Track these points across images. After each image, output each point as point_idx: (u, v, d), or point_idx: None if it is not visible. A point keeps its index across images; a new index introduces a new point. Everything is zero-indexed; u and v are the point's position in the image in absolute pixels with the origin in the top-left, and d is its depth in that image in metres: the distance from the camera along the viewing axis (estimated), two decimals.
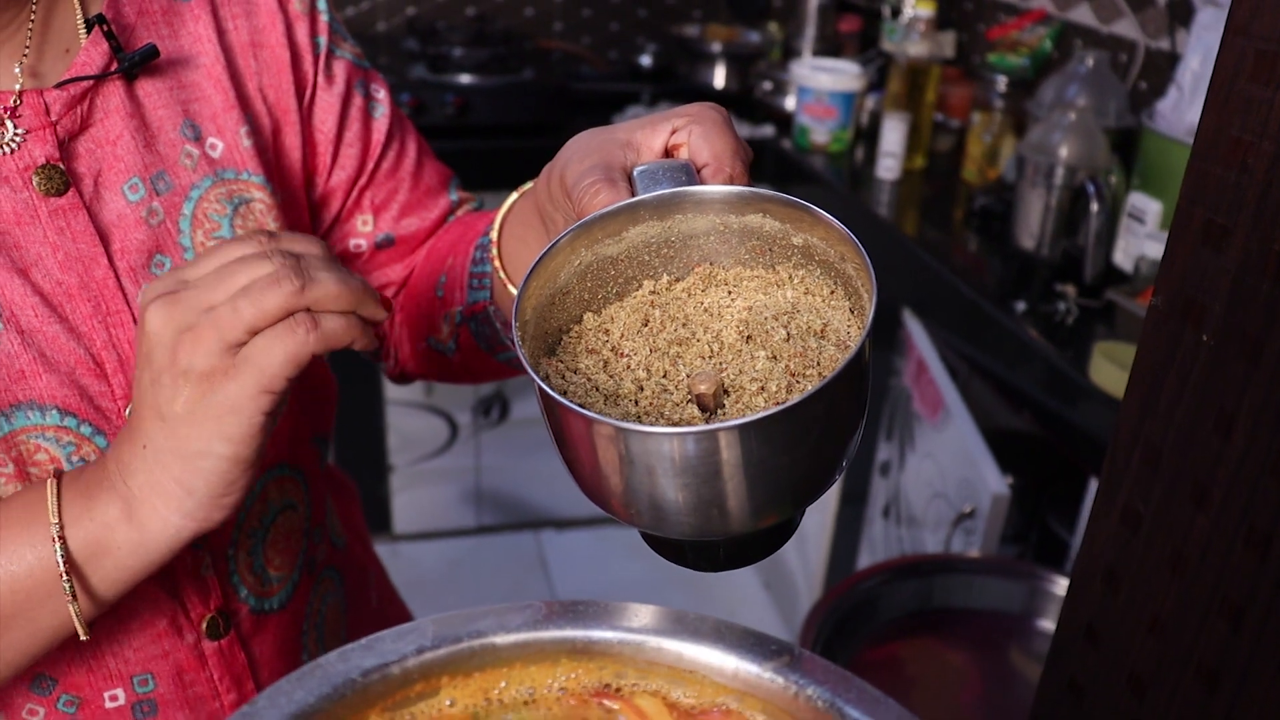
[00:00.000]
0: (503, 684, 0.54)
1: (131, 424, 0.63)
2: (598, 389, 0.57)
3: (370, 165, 0.90)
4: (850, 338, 0.59)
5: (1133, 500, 0.79)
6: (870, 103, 2.49)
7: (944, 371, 1.88)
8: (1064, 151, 1.79)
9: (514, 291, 0.77)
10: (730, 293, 0.63)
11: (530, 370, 0.54)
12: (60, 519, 0.63)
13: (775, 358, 0.57)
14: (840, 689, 0.51)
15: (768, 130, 2.54)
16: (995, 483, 1.65)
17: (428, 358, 0.93)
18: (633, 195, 0.62)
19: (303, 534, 0.88)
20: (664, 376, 0.57)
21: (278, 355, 0.59)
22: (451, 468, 2.81)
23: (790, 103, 2.53)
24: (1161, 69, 2.04)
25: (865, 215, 2.12)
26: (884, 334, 2.13)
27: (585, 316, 0.63)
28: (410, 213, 0.93)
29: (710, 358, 0.58)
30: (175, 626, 0.78)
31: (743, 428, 0.49)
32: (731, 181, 0.64)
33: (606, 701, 0.54)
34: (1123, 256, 1.78)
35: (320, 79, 0.86)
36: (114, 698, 0.78)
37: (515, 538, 2.97)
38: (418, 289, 0.91)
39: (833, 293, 0.61)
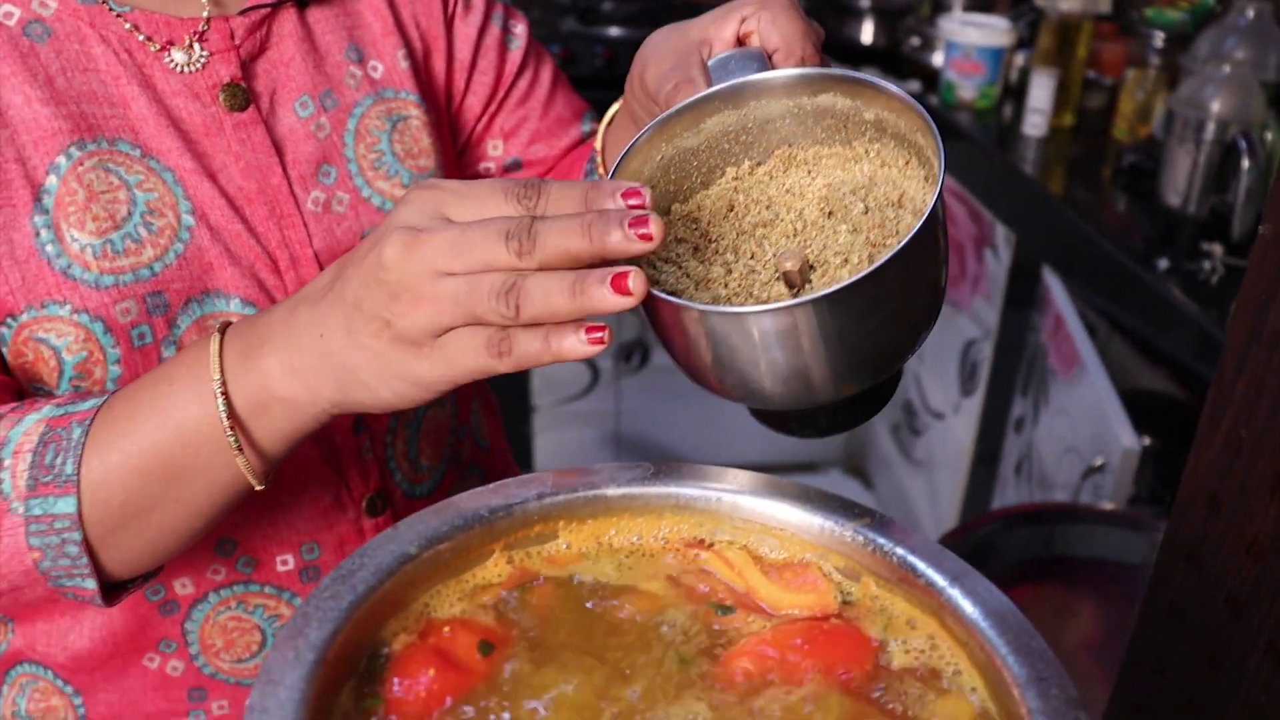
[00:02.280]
0: (612, 532, 0.61)
1: (319, 306, 0.63)
2: (688, 275, 0.60)
3: (501, 94, 0.97)
4: (927, 204, 0.59)
5: (1236, 425, 0.81)
6: (1020, 59, 2.47)
7: (1081, 327, 1.88)
8: (1216, 106, 1.76)
9: None
10: (810, 172, 0.65)
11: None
12: (223, 375, 0.66)
13: (856, 230, 0.59)
14: (914, 548, 0.56)
15: (914, 86, 2.54)
16: (1127, 437, 1.65)
17: None
18: (708, 88, 0.65)
19: (449, 430, 0.96)
20: (751, 258, 0.60)
21: (470, 363, 0.59)
22: (592, 411, 2.90)
23: (938, 59, 2.52)
24: None
25: (1010, 172, 2.11)
26: (1022, 290, 2.13)
27: (673, 207, 0.66)
28: (539, 140, 0.99)
29: (794, 236, 0.61)
30: (339, 503, 0.88)
31: (828, 298, 0.52)
32: (802, 63, 0.66)
33: (700, 553, 0.61)
34: None
35: (458, 9, 0.95)
36: (284, 562, 0.87)
37: None
38: None
39: (908, 163, 0.63)
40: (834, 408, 0.61)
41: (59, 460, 0.67)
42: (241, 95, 0.81)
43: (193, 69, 0.80)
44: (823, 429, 0.62)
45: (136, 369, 0.78)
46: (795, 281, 0.58)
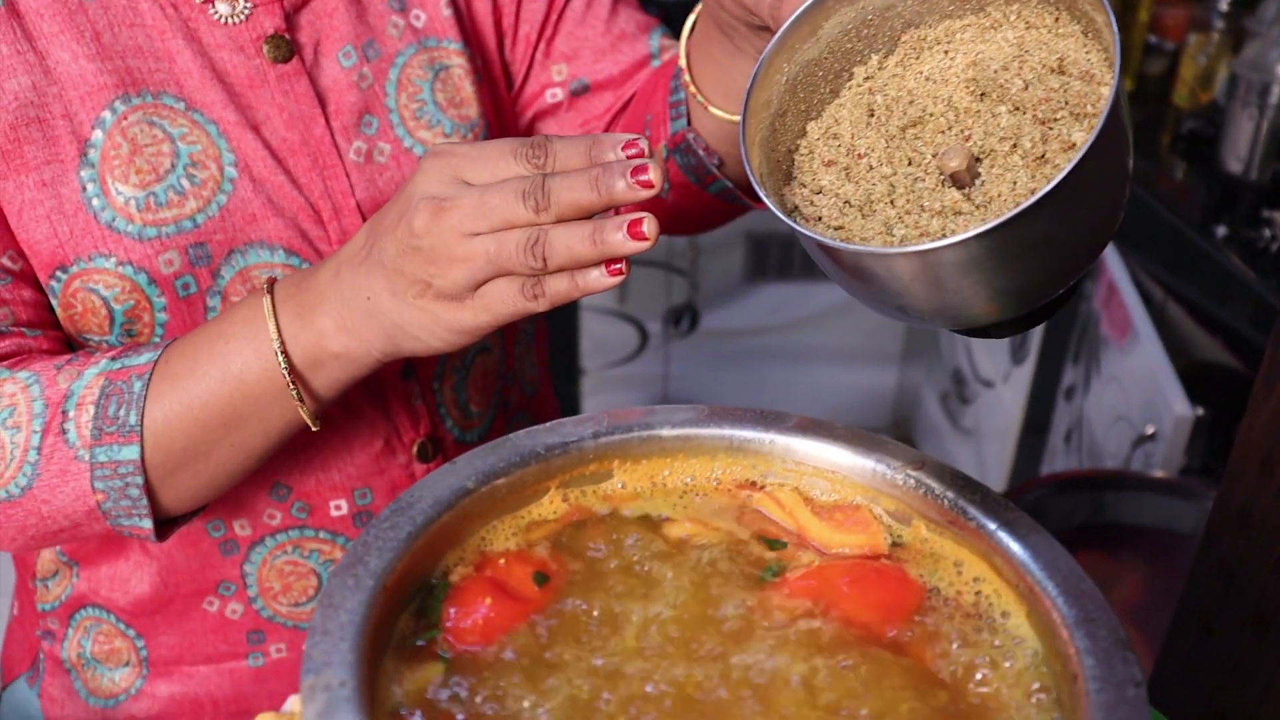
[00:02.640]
0: (666, 472, 0.62)
1: (361, 270, 0.69)
2: (849, 203, 0.55)
3: (555, 16, 0.95)
4: (1094, 65, 0.53)
5: None
6: None
7: (1135, 294, 1.86)
8: None
9: (715, 113, 0.80)
10: (947, 52, 0.58)
11: (779, 213, 0.54)
12: (280, 335, 0.71)
13: (1019, 109, 0.53)
14: (965, 492, 0.57)
15: None
16: (1180, 405, 1.63)
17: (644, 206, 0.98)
18: None
19: (497, 376, 0.97)
20: (910, 165, 0.54)
21: (508, 309, 0.65)
22: (640, 375, 2.91)
23: None
24: None
25: None
26: None
27: (808, 127, 0.60)
28: (604, 57, 0.96)
29: (950, 129, 0.54)
30: (390, 448, 0.89)
31: (1031, 209, 0.47)
32: None
33: (751, 494, 0.61)
34: None
35: None
36: (338, 507, 0.89)
37: None
38: (627, 130, 0.95)
39: (1057, 19, 0.56)
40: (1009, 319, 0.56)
41: (122, 411, 0.73)
42: (285, 47, 0.82)
43: (237, 21, 0.81)
44: (1018, 326, 0.57)
45: (183, 318, 0.80)
46: (965, 181, 0.53)
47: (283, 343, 0.71)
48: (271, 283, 0.74)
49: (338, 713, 0.46)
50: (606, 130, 0.98)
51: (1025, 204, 0.47)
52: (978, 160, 0.53)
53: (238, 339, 0.73)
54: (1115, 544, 1.54)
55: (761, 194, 0.55)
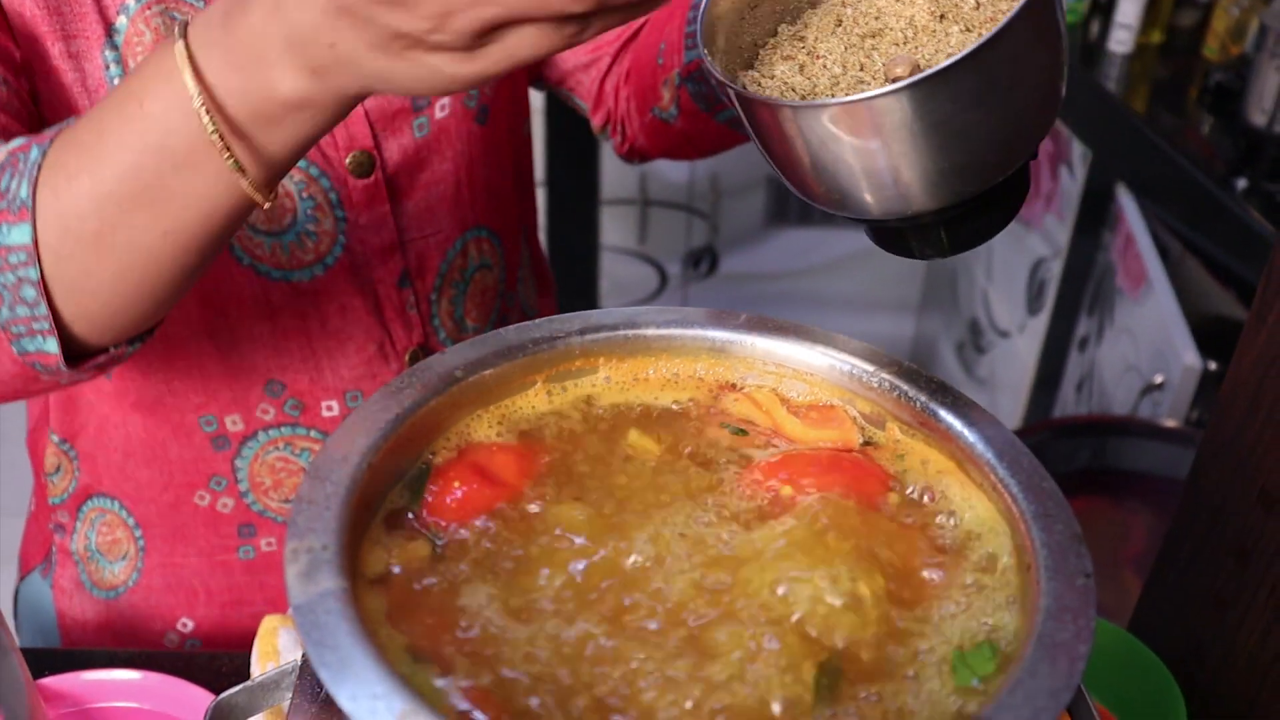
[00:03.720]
0: (650, 370, 0.64)
1: (319, 10, 0.52)
2: (794, 90, 0.58)
3: None
4: None
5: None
6: None
7: (1151, 246, 1.85)
8: None
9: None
10: None
11: (717, 73, 0.56)
12: (206, 89, 0.57)
13: (969, 29, 0.56)
14: (937, 395, 0.58)
15: None
16: (1189, 356, 1.64)
17: (654, 129, 0.97)
18: None
19: (496, 294, 0.99)
20: (861, 69, 0.58)
21: (535, 49, 0.52)
22: None
23: None
24: None
25: (1092, 90, 2.07)
26: (1095, 209, 2.10)
27: (779, 28, 0.63)
28: None
29: (905, 44, 0.58)
30: (383, 354, 0.91)
31: (928, 80, 0.50)
32: None
33: (729, 394, 0.63)
34: None
35: None
36: (329, 408, 0.91)
37: None
38: (641, 60, 0.96)
39: None
40: (954, 222, 0.58)
41: (14, 184, 0.61)
42: None
43: None
44: (945, 248, 0.59)
45: None
46: None
47: (211, 99, 0.56)
48: (184, 26, 0.58)
49: (318, 574, 0.48)
50: (616, 58, 0.99)
51: (926, 72, 0.50)
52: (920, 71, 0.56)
53: (152, 96, 0.58)
54: (1118, 491, 1.55)
55: (705, 57, 0.57)
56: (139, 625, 0.97)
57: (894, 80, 0.54)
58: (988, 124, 0.54)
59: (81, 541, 0.97)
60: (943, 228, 0.59)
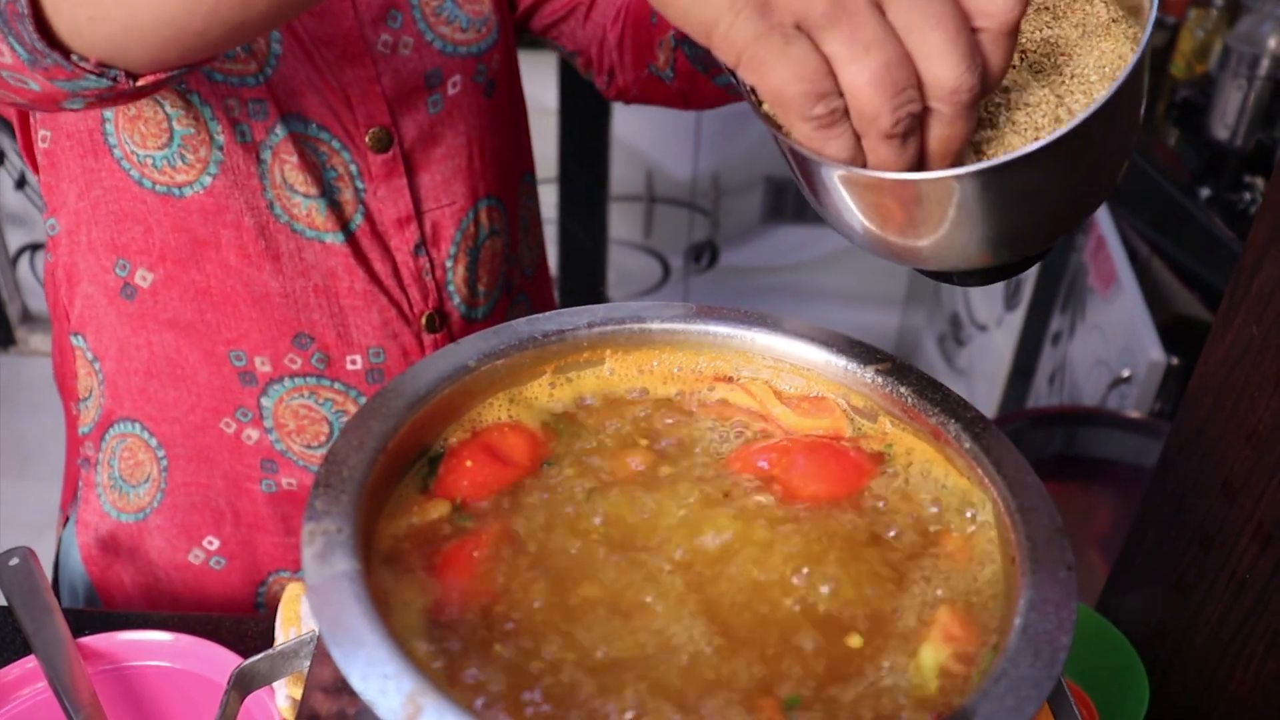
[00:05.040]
0: (654, 363, 0.61)
1: None
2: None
3: None
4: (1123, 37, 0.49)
5: (1248, 322, 0.79)
6: None
7: (1122, 249, 1.83)
8: (1273, 43, 1.68)
9: None
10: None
11: (758, 111, 0.49)
12: None
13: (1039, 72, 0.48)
14: (928, 391, 0.56)
15: None
16: (1155, 352, 1.62)
17: (648, 84, 0.95)
18: None
19: (503, 259, 0.97)
20: None
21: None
22: None
23: None
24: None
25: None
26: None
27: None
28: None
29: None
30: (402, 316, 0.90)
31: (1033, 154, 0.43)
32: None
33: (724, 385, 0.61)
34: None
35: None
36: (353, 362, 0.89)
37: None
38: (636, 15, 0.94)
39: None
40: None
41: None
42: None
43: None
44: (987, 277, 0.53)
45: (236, 160, 0.80)
46: (983, 123, 0.47)
47: None
48: None
49: (333, 555, 0.46)
50: (593, 4, 0.96)
51: (1021, 150, 0.43)
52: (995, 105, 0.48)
53: None
54: (1086, 477, 1.53)
55: (753, 106, 0.50)
56: (165, 544, 0.95)
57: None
58: (1075, 188, 0.47)
59: (105, 471, 0.95)
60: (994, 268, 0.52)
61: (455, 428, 0.57)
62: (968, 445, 0.53)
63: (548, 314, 0.60)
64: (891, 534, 0.53)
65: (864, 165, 0.44)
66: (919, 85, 0.42)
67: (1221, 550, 0.81)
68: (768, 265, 2.78)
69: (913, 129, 0.43)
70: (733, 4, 0.41)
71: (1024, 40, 0.50)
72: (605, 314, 0.60)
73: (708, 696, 0.44)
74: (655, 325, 0.60)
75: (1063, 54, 0.49)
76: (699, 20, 0.42)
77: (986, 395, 2.38)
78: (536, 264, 1.08)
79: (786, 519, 0.52)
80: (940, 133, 0.43)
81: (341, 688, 0.51)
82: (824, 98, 0.42)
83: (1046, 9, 0.51)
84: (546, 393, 0.60)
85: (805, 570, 0.50)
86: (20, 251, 2.79)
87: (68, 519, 1.01)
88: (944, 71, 0.41)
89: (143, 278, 0.85)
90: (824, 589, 0.49)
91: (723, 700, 0.44)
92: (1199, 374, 0.84)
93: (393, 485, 0.54)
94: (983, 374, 2.44)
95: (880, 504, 0.54)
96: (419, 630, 0.48)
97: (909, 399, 0.56)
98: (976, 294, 2.47)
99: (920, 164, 0.44)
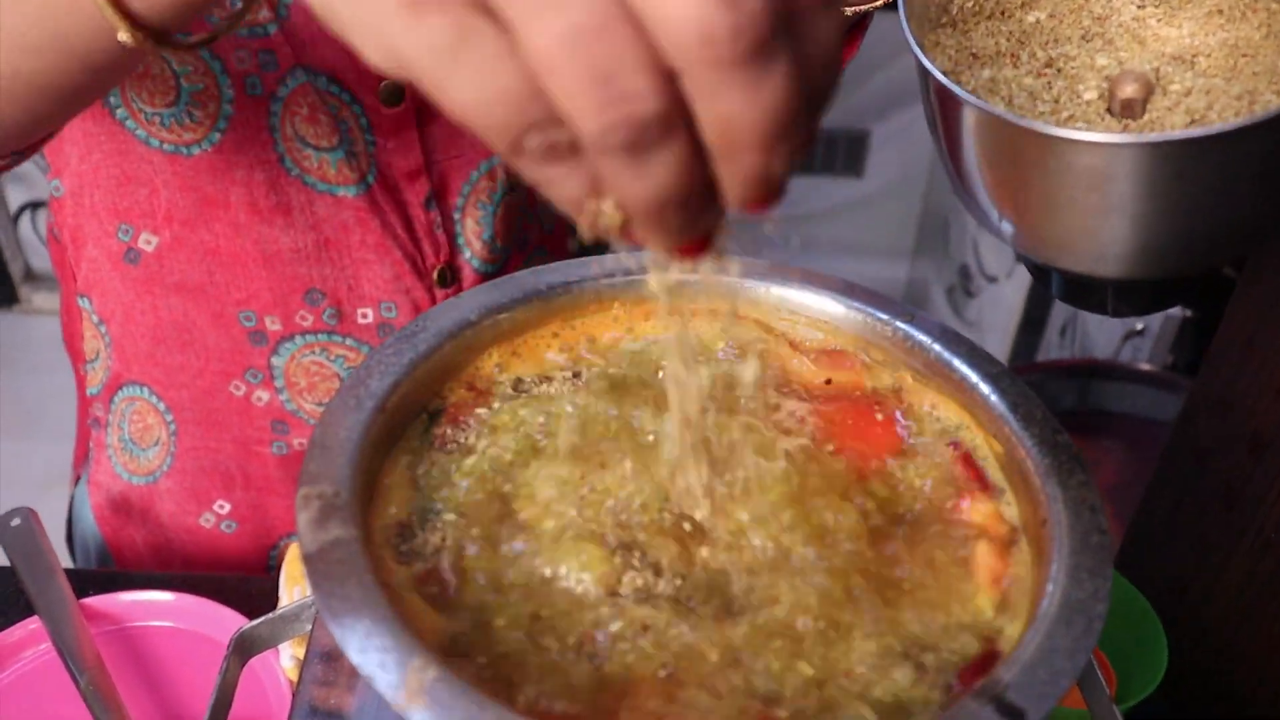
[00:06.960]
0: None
1: None
2: (996, 84, 0.45)
3: None
4: None
5: (1277, 275, 0.76)
6: None
7: None
8: None
9: None
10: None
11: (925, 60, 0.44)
12: None
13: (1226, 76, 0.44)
14: (951, 344, 0.53)
15: None
16: None
17: None
18: None
19: (520, 213, 0.94)
20: (1092, 70, 0.45)
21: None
22: None
23: None
24: None
25: None
26: None
27: (1018, 12, 0.50)
28: None
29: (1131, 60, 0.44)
30: (414, 269, 0.87)
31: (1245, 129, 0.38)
32: None
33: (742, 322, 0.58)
34: None
35: None
36: (364, 315, 0.87)
37: None
38: None
39: None
40: (1163, 284, 0.47)
41: None
42: None
43: None
44: (1144, 306, 0.49)
45: (247, 114, 0.77)
46: (1135, 113, 0.43)
47: None
48: None
49: (329, 520, 0.44)
50: None
51: (1235, 123, 0.38)
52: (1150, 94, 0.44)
53: None
54: (1099, 430, 1.50)
55: (917, 52, 0.44)
56: (175, 508, 0.94)
57: (1123, 99, 0.42)
58: (1262, 193, 0.42)
59: (115, 434, 0.93)
60: (1150, 289, 0.48)
61: (453, 384, 0.54)
62: (994, 402, 0.50)
63: (554, 265, 0.57)
64: (917, 498, 0.50)
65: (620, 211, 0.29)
66: (652, 58, 0.26)
67: (1246, 508, 0.79)
68: (774, 216, 2.74)
69: (654, 137, 0.27)
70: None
71: (1198, 44, 0.45)
72: (613, 265, 0.57)
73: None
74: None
75: (1244, 54, 0.45)
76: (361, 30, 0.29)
77: (997, 348, 2.35)
78: (555, 218, 1.05)
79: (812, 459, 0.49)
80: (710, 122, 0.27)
81: (342, 653, 0.48)
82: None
83: (1219, 12, 0.47)
84: (548, 343, 0.57)
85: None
86: (21, 209, 2.75)
87: (79, 478, 1.00)
88: (679, 7, 0.25)
89: (147, 241, 0.84)
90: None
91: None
92: (1226, 327, 0.81)
93: (393, 446, 0.51)
94: (993, 326, 2.41)
95: (899, 467, 0.51)
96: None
97: (931, 353, 0.53)
98: (986, 245, 2.43)
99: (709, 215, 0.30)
